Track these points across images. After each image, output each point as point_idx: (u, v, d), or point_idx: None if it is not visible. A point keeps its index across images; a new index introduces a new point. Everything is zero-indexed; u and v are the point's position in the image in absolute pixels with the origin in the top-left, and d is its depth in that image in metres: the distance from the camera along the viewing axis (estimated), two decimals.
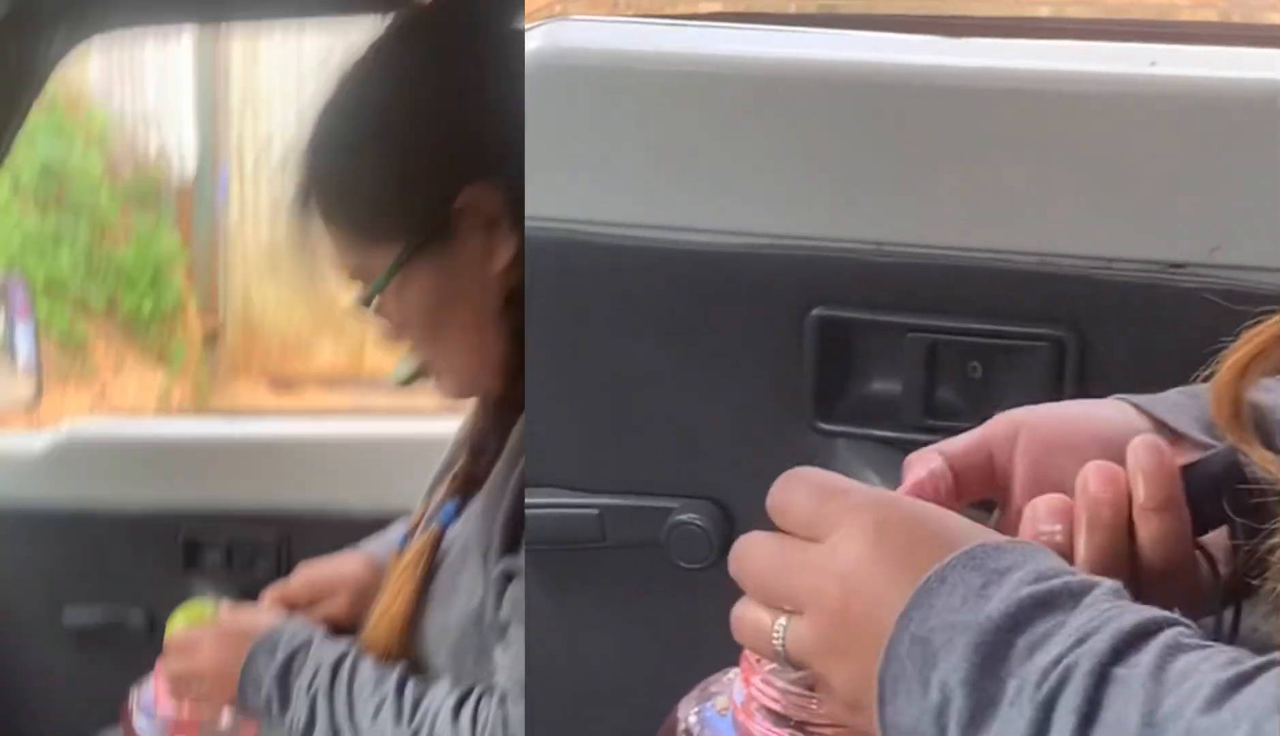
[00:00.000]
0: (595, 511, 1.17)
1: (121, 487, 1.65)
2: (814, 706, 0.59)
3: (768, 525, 1.15)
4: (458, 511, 1.04)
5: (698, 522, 1.14)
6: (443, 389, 1.03)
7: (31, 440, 1.69)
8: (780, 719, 0.60)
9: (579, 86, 1.10)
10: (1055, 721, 0.48)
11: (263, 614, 1.12)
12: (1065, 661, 0.48)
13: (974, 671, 0.50)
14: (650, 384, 1.14)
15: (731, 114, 1.09)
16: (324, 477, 1.63)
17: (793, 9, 1.49)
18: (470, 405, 1.09)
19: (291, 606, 1.13)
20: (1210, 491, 0.62)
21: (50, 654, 1.67)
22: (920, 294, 1.07)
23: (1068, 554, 0.61)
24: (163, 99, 6.06)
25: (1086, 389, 1.05)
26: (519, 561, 0.95)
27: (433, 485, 1.13)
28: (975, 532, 0.56)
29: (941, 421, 1.09)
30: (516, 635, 0.95)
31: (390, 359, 1.05)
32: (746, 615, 0.59)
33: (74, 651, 1.66)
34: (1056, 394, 1.05)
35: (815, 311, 1.09)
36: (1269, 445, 0.64)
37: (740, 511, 1.15)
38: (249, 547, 1.63)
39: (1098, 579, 0.53)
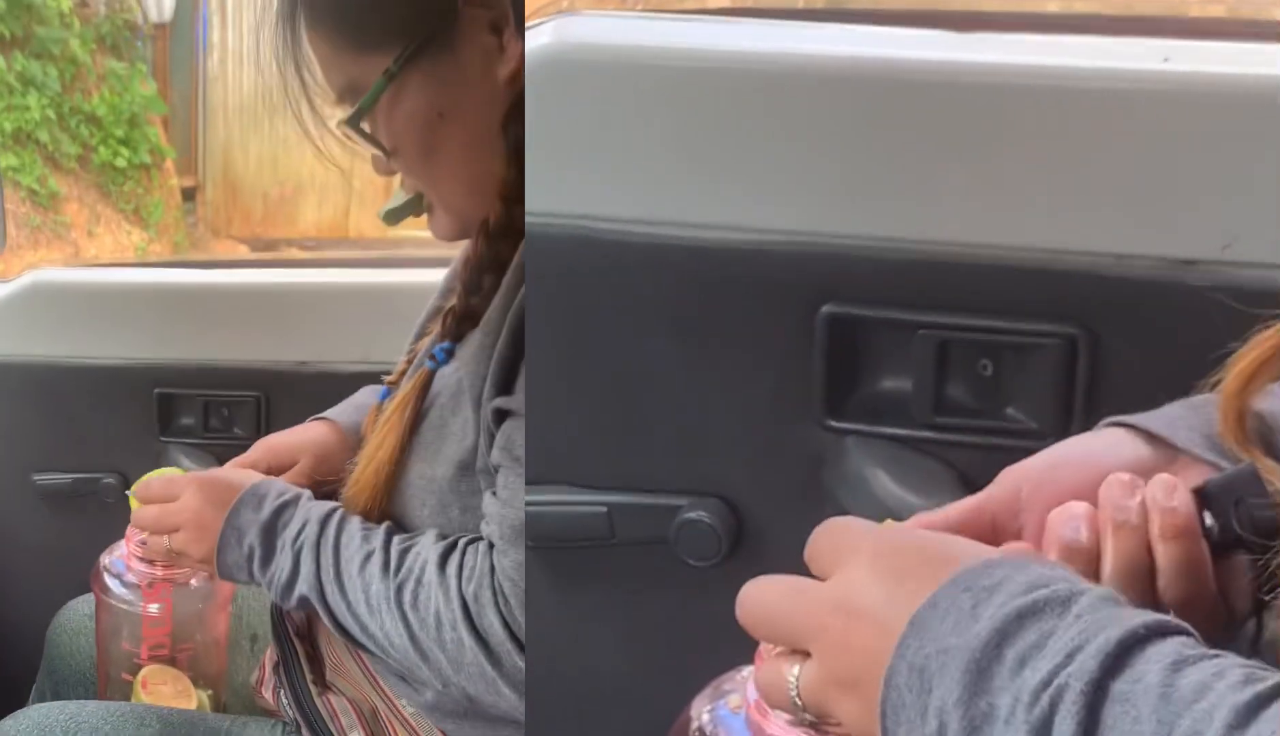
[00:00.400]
0: (603, 509, 1.16)
1: (90, 339, 1.56)
2: None
3: (775, 522, 1.15)
4: (450, 353, 0.98)
5: (706, 520, 1.13)
6: (436, 225, 0.96)
7: None
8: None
9: (586, 81, 1.10)
10: None
11: (244, 471, 1.06)
12: (1056, 681, 0.47)
13: (965, 692, 0.49)
14: (658, 381, 1.14)
15: (740, 109, 1.08)
16: (305, 331, 1.54)
17: (801, 4, 1.49)
18: (461, 247, 1.02)
19: None
20: (1226, 512, 0.62)
21: (20, 517, 1.60)
22: (930, 291, 1.07)
23: (1093, 557, 0.61)
24: None
25: (1097, 386, 1.04)
26: (514, 400, 0.89)
27: (419, 331, 1.08)
28: (972, 552, 0.55)
29: (951, 419, 1.09)
30: (505, 482, 0.89)
31: (376, 223, 0.98)
32: (765, 672, 0.60)
33: (45, 515, 1.59)
34: (1067, 392, 1.04)
35: (825, 308, 1.08)
36: (1275, 455, 0.64)
37: (749, 509, 1.14)
38: (226, 407, 1.55)
39: (1087, 585, 0.52)
